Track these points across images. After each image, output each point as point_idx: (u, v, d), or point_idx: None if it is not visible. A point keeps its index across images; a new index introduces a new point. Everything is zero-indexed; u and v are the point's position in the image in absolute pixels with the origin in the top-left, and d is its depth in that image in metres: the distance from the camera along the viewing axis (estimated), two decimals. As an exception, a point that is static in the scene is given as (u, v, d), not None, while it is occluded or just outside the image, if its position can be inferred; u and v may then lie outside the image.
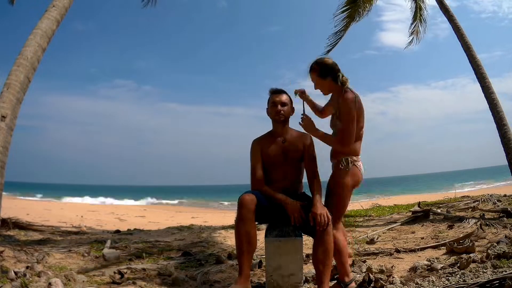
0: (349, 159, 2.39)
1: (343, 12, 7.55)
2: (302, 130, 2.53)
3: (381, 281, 2.42)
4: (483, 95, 5.64)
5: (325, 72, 2.40)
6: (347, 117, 2.31)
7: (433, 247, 3.52)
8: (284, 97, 2.52)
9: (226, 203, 27.69)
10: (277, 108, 2.48)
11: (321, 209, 2.21)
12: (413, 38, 8.27)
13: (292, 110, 2.58)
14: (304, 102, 2.64)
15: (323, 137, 2.44)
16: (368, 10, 7.83)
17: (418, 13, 8.01)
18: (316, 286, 2.28)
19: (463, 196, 8.35)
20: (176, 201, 31.49)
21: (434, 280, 2.38)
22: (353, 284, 2.42)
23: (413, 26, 8.17)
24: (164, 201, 31.34)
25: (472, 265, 2.59)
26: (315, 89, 2.49)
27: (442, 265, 2.71)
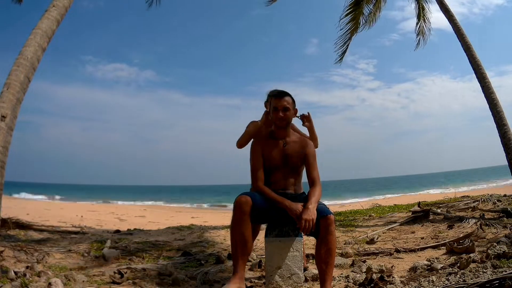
0: None
1: (346, 15, 7.33)
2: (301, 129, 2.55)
3: (381, 281, 2.41)
4: (493, 93, 5.55)
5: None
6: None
7: (433, 247, 3.52)
8: (285, 101, 2.47)
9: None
10: (279, 114, 2.45)
11: (309, 214, 2.17)
12: (419, 39, 7.99)
13: (295, 112, 2.57)
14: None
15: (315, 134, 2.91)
16: (377, 14, 7.69)
17: (421, 13, 7.82)
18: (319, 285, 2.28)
19: (463, 196, 8.33)
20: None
21: (434, 280, 2.37)
22: None
23: (418, 26, 7.89)
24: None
25: (472, 265, 2.58)
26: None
27: (442, 265, 2.71)
